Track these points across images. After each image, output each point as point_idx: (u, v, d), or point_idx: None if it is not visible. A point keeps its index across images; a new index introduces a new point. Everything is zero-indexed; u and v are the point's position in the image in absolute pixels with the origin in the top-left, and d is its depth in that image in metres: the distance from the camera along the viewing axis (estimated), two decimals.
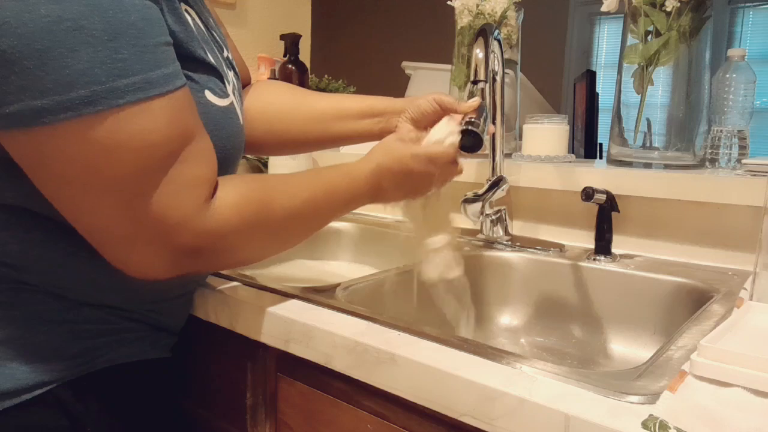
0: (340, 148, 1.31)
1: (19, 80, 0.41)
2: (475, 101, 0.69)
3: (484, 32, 0.82)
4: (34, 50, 0.40)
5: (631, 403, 0.42)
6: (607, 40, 3.56)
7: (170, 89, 0.46)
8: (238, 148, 0.61)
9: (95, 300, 0.55)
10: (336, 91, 1.59)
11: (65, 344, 0.53)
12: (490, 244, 0.95)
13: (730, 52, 0.94)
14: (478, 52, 0.81)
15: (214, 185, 0.50)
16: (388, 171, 0.64)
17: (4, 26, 0.40)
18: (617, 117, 0.97)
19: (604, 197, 0.84)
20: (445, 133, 0.67)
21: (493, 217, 0.97)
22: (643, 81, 0.92)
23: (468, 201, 0.85)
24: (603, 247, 0.86)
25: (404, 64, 1.55)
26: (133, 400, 0.60)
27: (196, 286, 0.69)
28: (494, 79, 0.92)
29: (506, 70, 1.01)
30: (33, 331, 0.52)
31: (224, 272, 0.74)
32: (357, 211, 1.27)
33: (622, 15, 0.95)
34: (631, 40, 0.93)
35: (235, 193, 0.52)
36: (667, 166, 0.91)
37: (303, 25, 2.05)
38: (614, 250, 0.87)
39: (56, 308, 0.53)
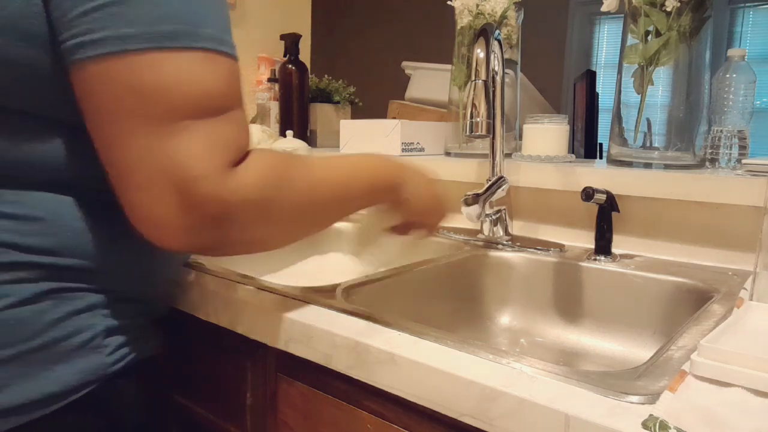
0: (340, 148, 1.31)
1: (112, 10, 0.44)
2: None
3: (485, 32, 0.82)
4: None
5: (631, 403, 0.42)
6: (607, 40, 3.56)
7: (235, 56, 0.50)
8: None
9: (125, 294, 0.56)
10: (336, 90, 1.59)
11: (104, 343, 0.54)
12: (490, 244, 0.95)
13: (730, 52, 0.94)
14: (479, 52, 0.81)
15: (244, 154, 0.50)
16: (413, 175, 0.66)
17: None
18: (617, 117, 0.97)
19: (604, 197, 0.84)
20: None
21: (493, 217, 0.97)
22: (643, 81, 0.92)
23: (468, 201, 0.85)
24: (603, 247, 0.86)
25: (404, 64, 1.55)
26: (152, 395, 0.62)
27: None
28: (494, 79, 0.92)
29: (506, 70, 1.01)
30: (77, 331, 0.52)
31: (224, 272, 0.74)
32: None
33: (622, 15, 0.95)
34: (631, 40, 0.93)
35: (260, 162, 0.51)
36: (667, 166, 0.91)
37: (303, 25, 2.05)
38: (614, 250, 0.87)
39: (97, 305, 0.54)
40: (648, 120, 0.93)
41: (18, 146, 0.50)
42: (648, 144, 0.94)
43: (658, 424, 0.39)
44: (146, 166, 0.46)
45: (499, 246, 0.94)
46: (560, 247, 0.91)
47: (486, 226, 0.97)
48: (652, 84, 0.91)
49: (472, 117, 0.80)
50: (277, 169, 0.52)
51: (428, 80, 1.46)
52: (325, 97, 1.58)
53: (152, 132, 0.46)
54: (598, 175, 0.91)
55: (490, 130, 0.83)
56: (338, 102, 1.59)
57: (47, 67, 0.48)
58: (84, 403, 0.52)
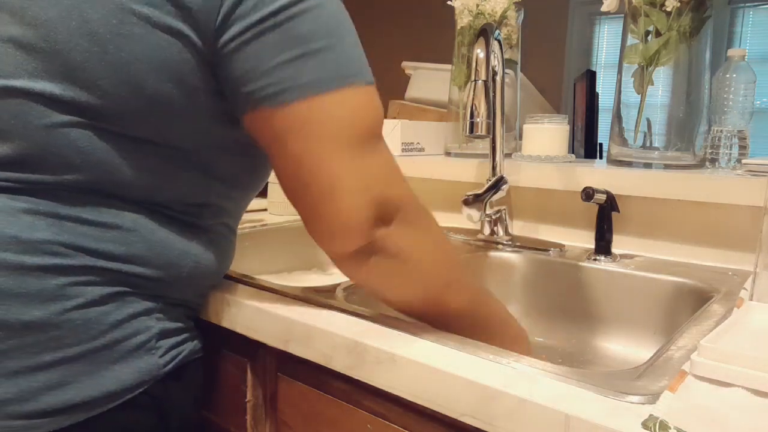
0: None
1: (314, 58, 0.51)
2: None
3: (485, 32, 0.82)
4: (330, 36, 0.51)
5: (631, 403, 0.42)
6: (607, 40, 3.57)
7: None
8: None
9: (177, 300, 0.60)
10: None
11: (157, 345, 0.56)
12: (490, 244, 0.95)
13: (730, 52, 0.94)
14: (479, 52, 0.81)
15: None
16: (517, 343, 0.66)
17: (312, 11, 0.51)
18: (617, 117, 0.97)
19: (604, 197, 0.84)
20: None
21: (493, 217, 0.97)
22: (643, 81, 0.92)
23: (468, 201, 0.85)
24: (603, 247, 0.86)
25: (404, 64, 1.55)
26: (197, 394, 0.65)
27: None
28: (494, 79, 0.92)
29: (506, 70, 1.01)
30: (136, 332, 0.55)
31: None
32: None
33: (622, 15, 0.95)
34: (631, 40, 0.93)
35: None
36: (667, 166, 0.91)
37: None
38: (614, 250, 0.87)
39: (153, 309, 0.57)
40: (648, 120, 0.93)
41: (120, 167, 0.54)
42: (648, 144, 0.94)
43: (658, 424, 0.39)
44: (350, 179, 0.52)
45: (499, 246, 0.94)
46: (560, 247, 0.91)
47: (486, 227, 0.97)
48: (652, 84, 0.91)
49: (472, 117, 0.80)
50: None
51: (428, 80, 1.46)
52: None
53: (353, 151, 0.52)
54: (598, 175, 0.91)
55: (490, 130, 0.83)
56: None
57: (175, 102, 0.52)
58: (136, 402, 0.54)
